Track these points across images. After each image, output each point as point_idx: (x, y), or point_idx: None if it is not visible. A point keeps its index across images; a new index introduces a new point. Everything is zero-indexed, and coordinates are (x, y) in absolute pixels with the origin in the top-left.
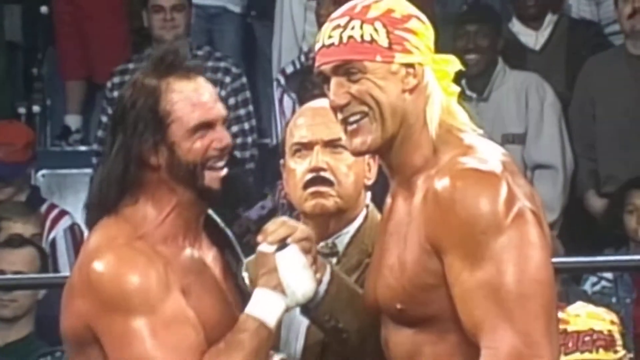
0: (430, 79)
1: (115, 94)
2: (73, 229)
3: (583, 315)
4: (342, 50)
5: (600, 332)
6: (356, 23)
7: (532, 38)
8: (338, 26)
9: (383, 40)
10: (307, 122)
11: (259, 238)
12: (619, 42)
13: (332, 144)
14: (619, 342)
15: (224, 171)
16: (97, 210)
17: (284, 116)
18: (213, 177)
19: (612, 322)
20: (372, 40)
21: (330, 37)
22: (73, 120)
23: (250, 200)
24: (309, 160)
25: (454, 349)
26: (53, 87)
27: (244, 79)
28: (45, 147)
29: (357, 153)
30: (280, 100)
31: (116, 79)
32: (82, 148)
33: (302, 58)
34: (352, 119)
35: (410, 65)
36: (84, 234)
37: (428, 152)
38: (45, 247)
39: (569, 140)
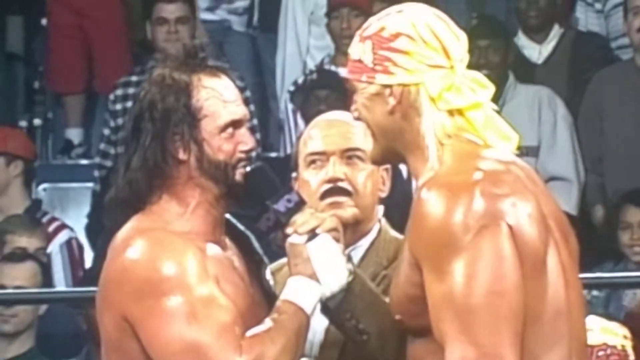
0: (421, 98)
1: (118, 106)
2: (70, 243)
3: (596, 330)
4: (348, 65)
5: (614, 346)
6: (356, 40)
7: (536, 51)
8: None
9: (368, 60)
10: (322, 132)
11: (289, 230)
12: (626, 56)
13: (348, 154)
14: (632, 357)
15: (248, 168)
16: (125, 205)
17: (297, 127)
18: (241, 173)
19: (625, 337)
20: (360, 60)
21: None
22: (75, 134)
23: (276, 192)
24: (326, 171)
25: None
26: (55, 100)
27: (248, 93)
28: (47, 161)
29: (371, 163)
30: (295, 112)
31: (119, 92)
32: (84, 162)
33: (307, 72)
34: None
35: (390, 86)
36: (82, 248)
37: (433, 165)
38: None
39: (580, 153)
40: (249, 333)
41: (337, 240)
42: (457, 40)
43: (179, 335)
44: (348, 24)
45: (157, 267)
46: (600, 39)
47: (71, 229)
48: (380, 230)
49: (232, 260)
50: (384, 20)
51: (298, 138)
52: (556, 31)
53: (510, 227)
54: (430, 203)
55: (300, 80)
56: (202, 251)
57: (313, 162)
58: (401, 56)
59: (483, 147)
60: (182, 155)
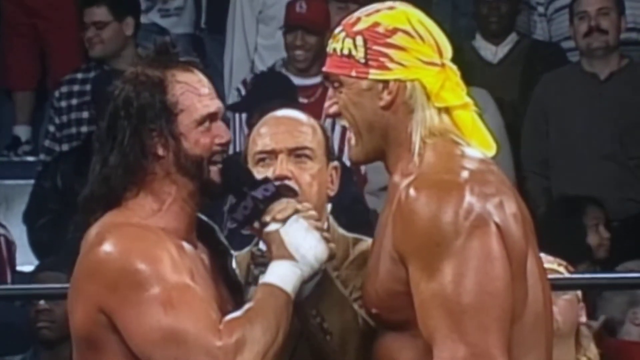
0: (417, 94)
1: (63, 103)
2: None
3: None
4: (328, 61)
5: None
6: (342, 35)
7: (492, 52)
8: (334, 35)
9: (360, 56)
10: (270, 130)
11: (267, 218)
12: (574, 59)
13: (296, 153)
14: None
15: (220, 164)
16: (101, 202)
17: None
18: (215, 171)
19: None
20: (350, 55)
21: (328, 45)
22: (23, 131)
23: (253, 180)
24: (273, 169)
25: (423, 356)
26: (0, 97)
27: None
28: None
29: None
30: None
31: (64, 89)
32: (30, 159)
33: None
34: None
35: (386, 82)
36: (12, 246)
37: (415, 162)
38: None
39: (511, 154)
40: (227, 318)
41: (317, 227)
42: (446, 40)
43: (157, 323)
44: (303, 41)
45: (132, 259)
46: (554, 45)
47: (3, 226)
48: (328, 230)
49: (202, 258)
50: (376, 16)
51: (247, 135)
52: (512, 37)
53: (498, 226)
54: (420, 201)
55: (249, 80)
56: (176, 246)
57: (262, 160)
58: (398, 52)
59: (464, 146)
60: (160, 151)
